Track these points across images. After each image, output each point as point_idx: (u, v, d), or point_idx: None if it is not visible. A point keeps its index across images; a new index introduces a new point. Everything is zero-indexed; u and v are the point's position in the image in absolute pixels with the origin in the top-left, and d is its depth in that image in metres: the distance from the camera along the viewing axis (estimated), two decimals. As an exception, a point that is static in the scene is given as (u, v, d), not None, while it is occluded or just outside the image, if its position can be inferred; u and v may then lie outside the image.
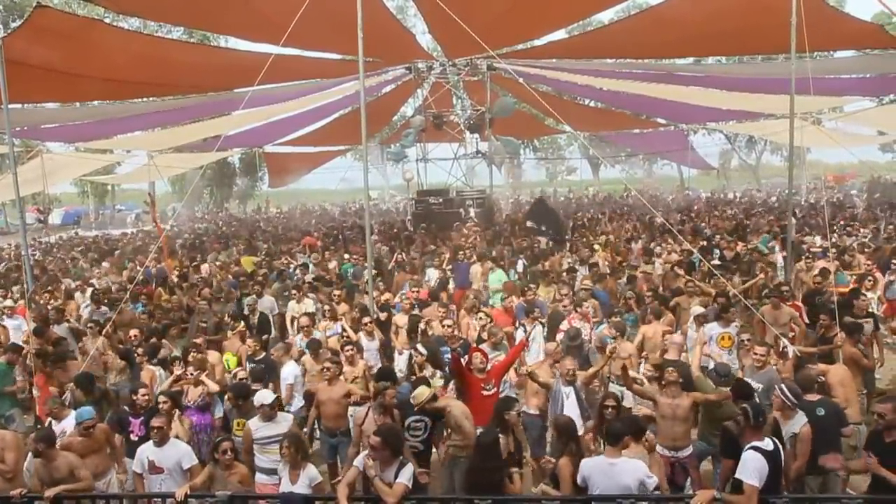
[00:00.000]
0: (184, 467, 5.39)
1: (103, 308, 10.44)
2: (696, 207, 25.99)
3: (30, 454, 6.14)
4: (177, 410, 6.25)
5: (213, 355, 7.93)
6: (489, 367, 6.56)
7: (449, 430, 5.95)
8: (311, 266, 13.89)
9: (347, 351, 7.42)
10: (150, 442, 5.48)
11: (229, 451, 5.32)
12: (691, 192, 37.91)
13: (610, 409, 5.50)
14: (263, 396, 5.85)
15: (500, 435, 5.36)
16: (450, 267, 12.80)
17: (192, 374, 6.93)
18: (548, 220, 10.11)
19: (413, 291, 10.65)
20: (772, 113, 19.11)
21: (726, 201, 30.63)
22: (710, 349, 7.75)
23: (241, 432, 5.97)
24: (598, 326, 8.72)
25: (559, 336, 8.19)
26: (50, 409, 6.32)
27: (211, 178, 38.09)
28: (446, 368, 6.98)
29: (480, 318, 8.49)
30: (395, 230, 20.22)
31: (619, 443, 4.76)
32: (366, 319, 8.51)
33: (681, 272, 11.03)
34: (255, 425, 5.76)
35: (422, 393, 5.77)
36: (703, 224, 19.02)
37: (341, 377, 6.84)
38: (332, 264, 14.06)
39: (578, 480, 4.77)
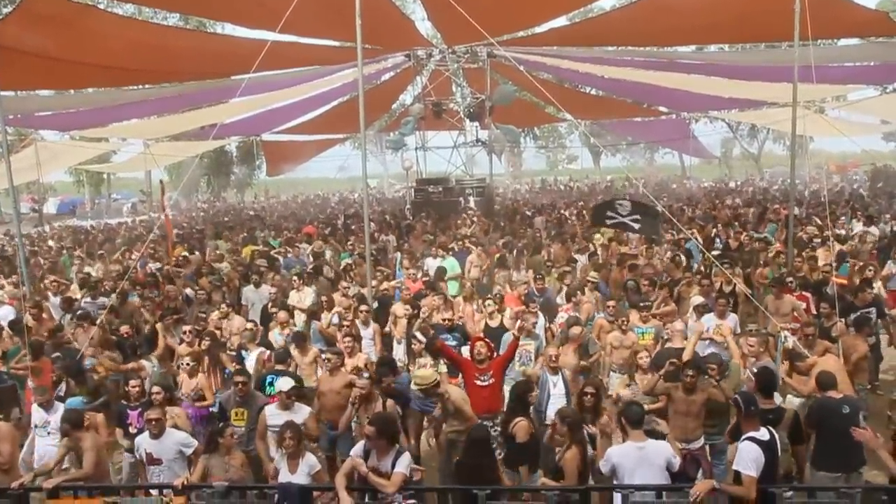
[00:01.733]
0: (187, 454, 5.45)
1: (101, 299, 10.39)
2: (707, 197, 25.88)
3: (25, 444, 6.20)
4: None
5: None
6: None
7: (445, 416, 5.98)
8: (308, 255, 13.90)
9: (346, 342, 7.41)
10: (147, 433, 5.49)
11: (234, 434, 5.36)
12: (692, 181, 37.79)
13: (589, 397, 5.52)
14: (283, 383, 5.89)
15: (522, 417, 5.48)
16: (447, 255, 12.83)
17: (187, 365, 6.92)
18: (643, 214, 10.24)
19: (411, 279, 10.68)
20: (774, 101, 19.04)
21: (728, 190, 30.56)
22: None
23: (242, 423, 5.99)
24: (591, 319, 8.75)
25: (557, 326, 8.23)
26: (36, 398, 6.32)
27: (208, 166, 37.95)
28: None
29: (488, 306, 8.48)
30: (394, 219, 20.20)
31: (641, 425, 4.79)
32: (363, 307, 8.53)
33: (682, 262, 11.04)
34: (271, 412, 5.81)
35: (426, 375, 5.82)
36: (709, 212, 19.00)
37: (342, 368, 6.83)
38: (328, 254, 14.02)
39: (605, 470, 4.81)
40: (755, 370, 5.79)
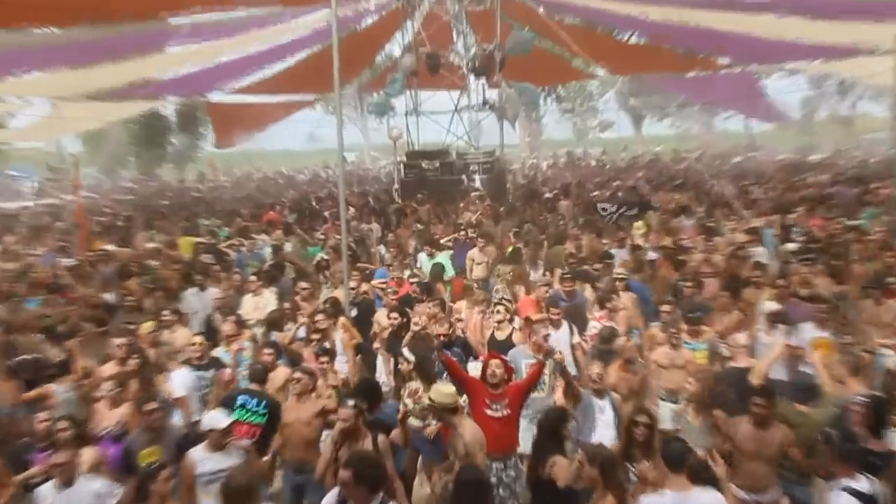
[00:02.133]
0: None
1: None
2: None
3: None
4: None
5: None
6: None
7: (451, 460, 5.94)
8: (269, 249, 13.92)
9: (322, 361, 7.45)
10: (51, 483, 5.43)
11: (170, 480, 5.29)
12: (763, 153, 37.64)
13: (641, 429, 5.47)
14: (215, 419, 5.86)
15: (559, 456, 5.52)
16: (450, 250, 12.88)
17: (109, 391, 6.88)
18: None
19: (397, 280, 10.83)
20: (873, 47, 18.91)
21: (810, 164, 30.46)
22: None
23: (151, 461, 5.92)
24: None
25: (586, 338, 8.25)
26: None
27: (137, 135, 37.86)
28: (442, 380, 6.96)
29: (498, 313, 8.51)
30: (379, 203, 20.18)
31: (682, 468, 4.74)
32: (319, 317, 8.70)
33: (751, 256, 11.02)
34: (200, 456, 5.78)
35: (444, 392, 5.84)
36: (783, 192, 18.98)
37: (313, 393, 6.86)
38: (288, 246, 14.09)
39: None
40: (862, 398, 5.70)
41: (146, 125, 37.26)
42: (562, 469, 5.45)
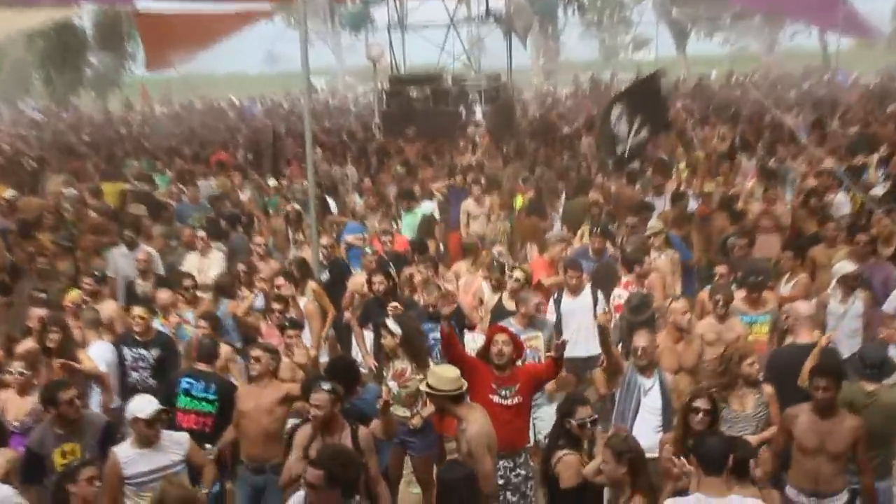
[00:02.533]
0: None
1: None
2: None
3: None
4: None
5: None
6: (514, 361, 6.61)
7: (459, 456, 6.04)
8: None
9: (289, 335, 7.59)
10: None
11: (95, 480, 5.29)
12: (841, 76, 37.50)
13: (701, 415, 5.56)
14: (140, 406, 5.88)
15: (571, 452, 5.56)
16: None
17: (20, 375, 6.91)
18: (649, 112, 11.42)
19: (378, 236, 10.96)
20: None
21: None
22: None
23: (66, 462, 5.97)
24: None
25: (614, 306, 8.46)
26: None
27: (45, 53, 37.49)
28: (433, 359, 7.09)
29: (516, 280, 8.59)
30: (355, 140, 20.14)
31: (721, 470, 4.82)
32: (278, 281, 8.81)
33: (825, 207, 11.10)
34: (126, 454, 5.80)
35: (447, 377, 5.87)
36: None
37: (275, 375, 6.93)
38: (247, 195, 14.13)
39: None
40: None
41: (57, 41, 36.81)
42: (567, 466, 5.52)
